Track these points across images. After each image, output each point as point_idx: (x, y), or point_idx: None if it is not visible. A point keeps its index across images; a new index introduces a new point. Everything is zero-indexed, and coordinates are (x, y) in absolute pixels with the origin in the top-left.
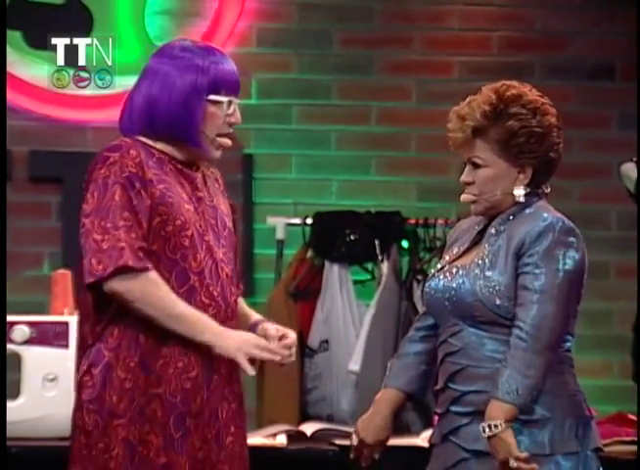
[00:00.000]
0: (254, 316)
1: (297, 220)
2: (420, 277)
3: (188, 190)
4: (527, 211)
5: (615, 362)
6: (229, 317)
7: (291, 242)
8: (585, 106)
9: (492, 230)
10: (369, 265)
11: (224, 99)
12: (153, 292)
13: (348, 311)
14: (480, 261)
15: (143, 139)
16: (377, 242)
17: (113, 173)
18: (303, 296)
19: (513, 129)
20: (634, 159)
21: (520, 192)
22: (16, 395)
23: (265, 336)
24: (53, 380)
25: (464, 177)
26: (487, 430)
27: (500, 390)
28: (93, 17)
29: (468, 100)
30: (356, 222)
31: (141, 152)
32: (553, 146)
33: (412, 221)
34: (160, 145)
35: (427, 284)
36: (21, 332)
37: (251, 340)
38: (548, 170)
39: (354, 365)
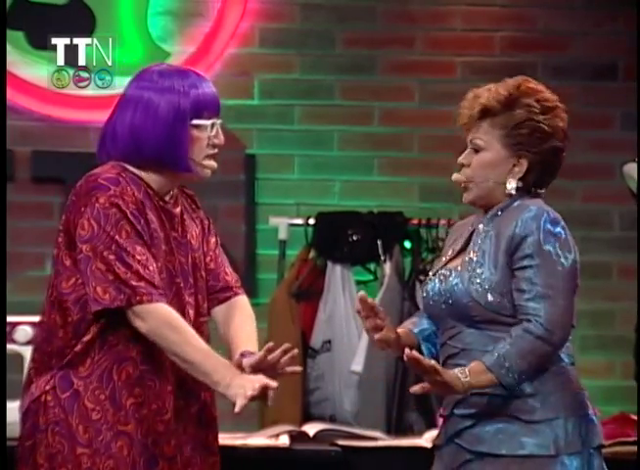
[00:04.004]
0: (243, 349)
1: (300, 221)
2: (422, 277)
3: (166, 228)
4: (515, 204)
5: (617, 363)
6: None
7: (293, 242)
8: (588, 106)
9: (480, 227)
10: (371, 266)
11: (207, 122)
12: (166, 336)
13: (351, 312)
14: (469, 260)
15: (129, 167)
16: (379, 242)
17: (117, 206)
18: (306, 296)
19: (520, 119)
20: (637, 159)
21: (512, 185)
22: (17, 395)
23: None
24: None
25: (461, 158)
26: (458, 381)
27: (492, 360)
28: (95, 17)
29: (490, 85)
30: (359, 223)
31: (134, 188)
32: (554, 150)
33: (415, 222)
34: (144, 174)
35: (424, 288)
36: (23, 332)
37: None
38: (544, 172)
39: (357, 366)
